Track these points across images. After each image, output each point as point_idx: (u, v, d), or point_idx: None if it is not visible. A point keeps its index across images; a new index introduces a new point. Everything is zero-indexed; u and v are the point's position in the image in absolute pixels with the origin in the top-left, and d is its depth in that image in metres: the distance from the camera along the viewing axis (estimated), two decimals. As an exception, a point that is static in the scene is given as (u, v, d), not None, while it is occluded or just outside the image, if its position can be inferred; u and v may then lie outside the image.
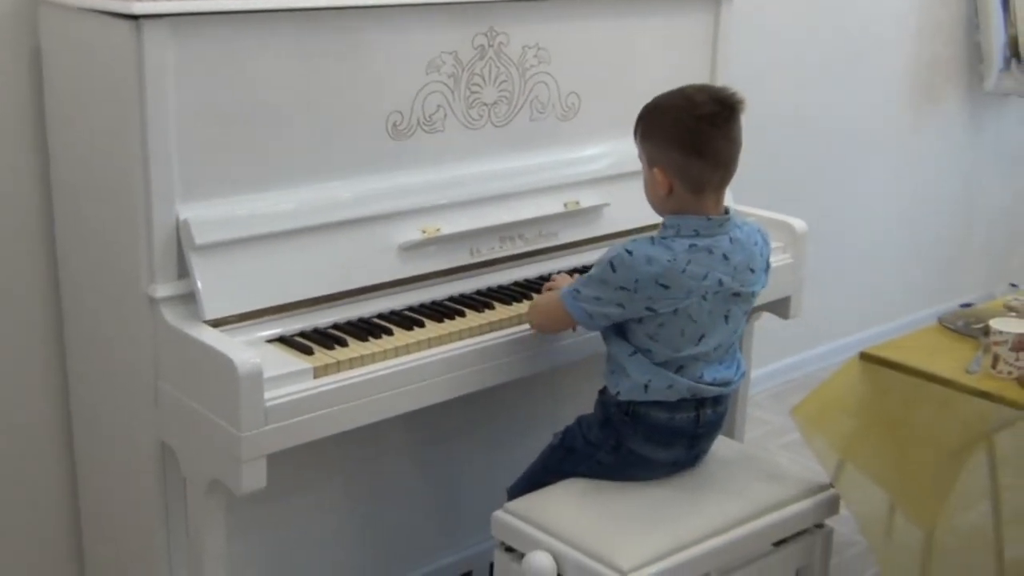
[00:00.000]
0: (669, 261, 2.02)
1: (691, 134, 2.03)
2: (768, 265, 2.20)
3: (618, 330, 2.12)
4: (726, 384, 2.15)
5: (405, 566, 2.59)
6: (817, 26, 3.80)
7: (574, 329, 2.21)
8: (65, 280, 2.29)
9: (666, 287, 2.02)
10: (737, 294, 2.10)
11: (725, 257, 2.07)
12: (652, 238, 2.07)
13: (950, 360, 2.40)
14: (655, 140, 2.08)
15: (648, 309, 2.04)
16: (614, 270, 2.03)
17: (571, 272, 2.46)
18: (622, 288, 2.03)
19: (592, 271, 2.09)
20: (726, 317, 2.10)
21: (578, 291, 2.09)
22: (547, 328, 2.22)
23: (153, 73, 1.94)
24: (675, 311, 2.04)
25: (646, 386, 2.09)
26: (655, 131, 2.08)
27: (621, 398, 2.12)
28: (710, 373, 2.11)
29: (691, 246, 2.04)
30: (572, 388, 2.62)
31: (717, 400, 2.16)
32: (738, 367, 2.18)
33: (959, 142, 4.54)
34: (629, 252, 2.03)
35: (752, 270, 2.12)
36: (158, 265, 2.02)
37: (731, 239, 2.09)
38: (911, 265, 4.47)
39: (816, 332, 4.04)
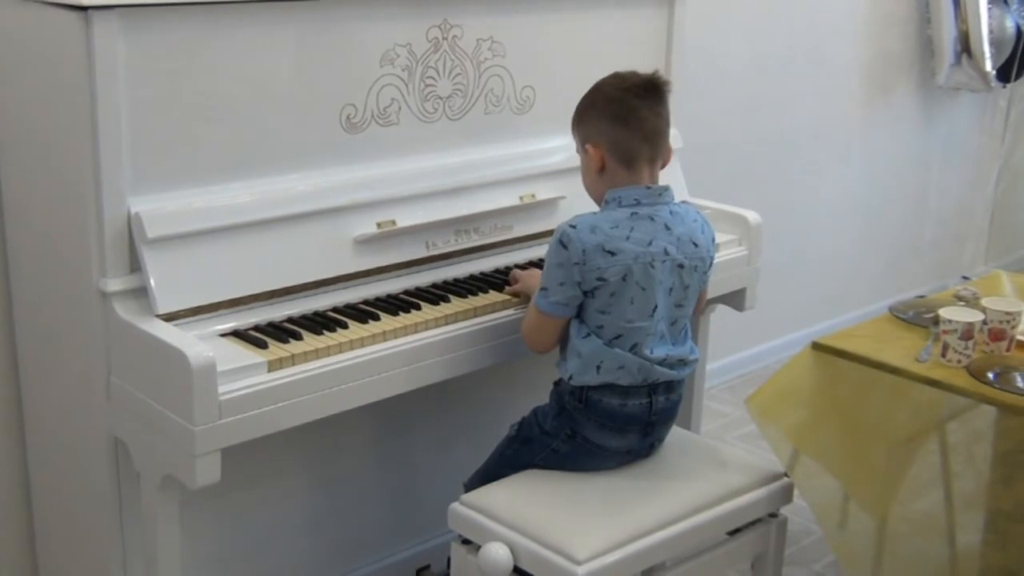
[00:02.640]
0: (612, 228, 2.08)
1: (617, 104, 2.13)
2: (714, 241, 2.22)
3: (585, 315, 2.14)
4: (678, 364, 2.16)
5: (363, 560, 2.59)
6: (770, 19, 3.83)
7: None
8: (15, 275, 2.27)
9: (612, 253, 2.07)
10: (681, 265, 2.13)
11: (667, 227, 2.12)
12: (594, 212, 2.14)
13: (900, 349, 2.43)
14: (586, 117, 2.18)
15: (599, 279, 2.07)
16: (564, 247, 2.08)
17: (526, 265, 2.46)
18: (575, 264, 2.07)
19: (547, 260, 2.12)
20: (670, 290, 2.12)
21: (545, 289, 2.12)
22: (542, 342, 2.20)
23: (103, 65, 1.92)
24: (624, 277, 2.07)
25: (598, 367, 2.11)
26: (586, 109, 2.19)
27: (573, 382, 2.14)
28: (661, 349, 2.13)
29: (633, 214, 2.11)
30: (529, 381, 2.63)
31: (670, 387, 2.18)
32: (691, 350, 2.20)
33: (911, 135, 4.59)
34: (573, 226, 2.09)
35: (695, 244, 2.15)
36: (109, 259, 2.00)
37: (671, 211, 2.14)
38: (865, 258, 4.52)
39: (772, 325, 4.07)
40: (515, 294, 2.32)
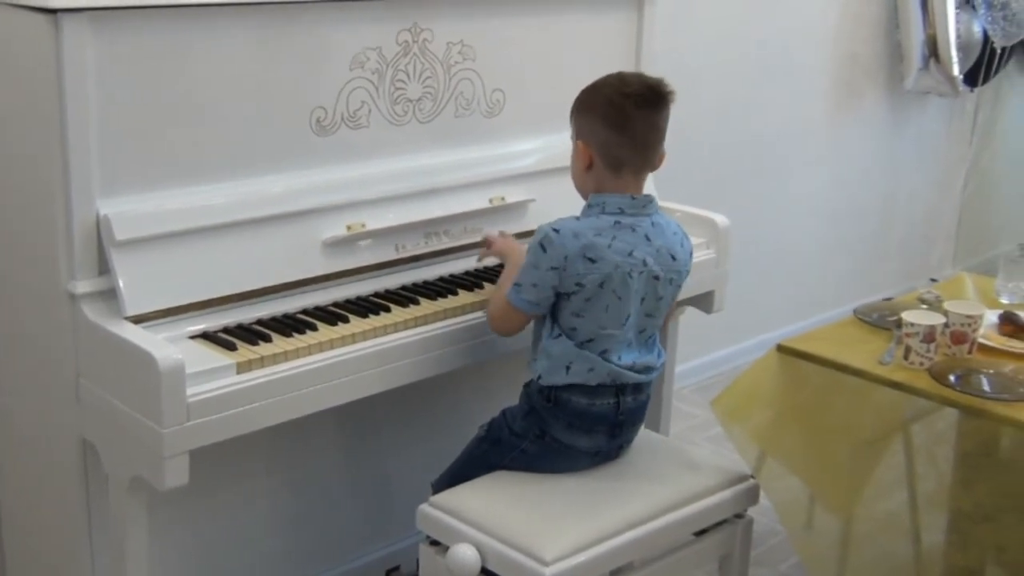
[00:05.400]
0: (596, 236, 2.09)
1: (615, 109, 2.11)
2: (691, 256, 2.24)
3: (559, 315, 2.16)
4: (645, 370, 2.18)
5: (333, 561, 2.59)
6: (740, 22, 3.86)
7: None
8: (-16, 277, 2.26)
9: (593, 260, 2.08)
10: (656, 277, 2.14)
11: (648, 238, 2.13)
12: (577, 216, 2.14)
13: (864, 352, 2.46)
14: (583, 113, 2.17)
15: (577, 284, 2.09)
16: (544, 250, 2.09)
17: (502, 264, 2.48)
18: (553, 268, 2.09)
19: (526, 258, 2.14)
20: (643, 300, 2.14)
21: (519, 285, 2.13)
22: (507, 330, 2.23)
23: (72, 68, 1.93)
24: (601, 284, 2.09)
25: (567, 367, 2.12)
26: (584, 104, 2.17)
27: (543, 382, 2.16)
28: (628, 356, 2.15)
29: (616, 223, 2.11)
30: (499, 383, 2.64)
31: (638, 388, 2.20)
32: (659, 355, 2.22)
33: (880, 139, 4.64)
34: (556, 230, 2.09)
35: (674, 257, 2.16)
36: (78, 261, 2.00)
37: (653, 222, 2.15)
38: (834, 260, 4.56)
39: (742, 327, 4.10)
40: (490, 256, 2.33)
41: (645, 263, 2.12)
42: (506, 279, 2.23)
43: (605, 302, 2.10)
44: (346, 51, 2.29)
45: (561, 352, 2.13)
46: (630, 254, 2.10)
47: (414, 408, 2.62)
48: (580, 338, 2.12)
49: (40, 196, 2.02)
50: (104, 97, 1.98)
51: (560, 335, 2.13)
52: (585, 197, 2.20)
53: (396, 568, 2.66)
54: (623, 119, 2.11)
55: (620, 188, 2.15)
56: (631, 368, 2.15)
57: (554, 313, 2.15)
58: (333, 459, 2.54)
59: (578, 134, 2.18)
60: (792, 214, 4.29)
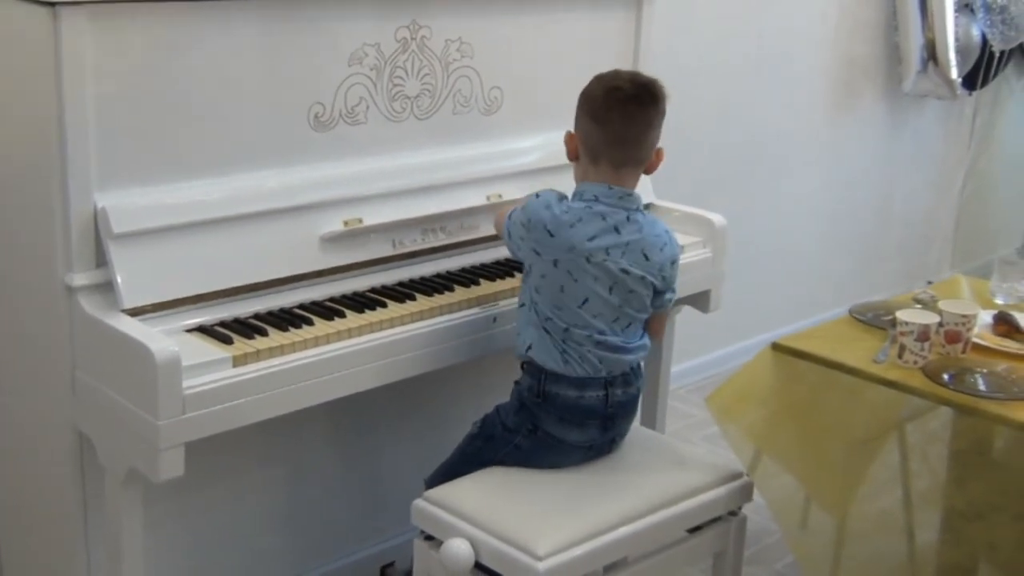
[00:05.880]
0: (562, 213, 2.14)
1: (597, 103, 2.18)
2: (673, 264, 2.23)
3: (523, 286, 2.22)
4: (620, 349, 2.17)
5: (328, 556, 2.60)
6: (739, 23, 3.87)
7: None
8: (-19, 269, 2.27)
9: (551, 235, 2.13)
10: (626, 271, 2.15)
11: (617, 230, 2.15)
12: (561, 195, 2.21)
13: (859, 350, 2.47)
14: (580, 104, 2.23)
15: (535, 252, 2.15)
16: (524, 208, 2.19)
17: (493, 264, 2.48)
18: (523, 225, 2.17)
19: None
20: (611, 288, 2.14)
21: (511, 215, 2.23)
22: (498, 229, 2.35)
23: (71, 61, 1.93)
24: (555, 262, 2.13)
25: (532, 343, 2.17)
26: (581, 97, 2.23)
27: (516, 354, 2.22)
28: (598, 335, 2.15)
29: (587, 207, 2.15)
30: (494, 380, 2.64)
31: (626, 380, 2.21)
32: (639, 338, 2.22)
33: (878, 141, 4.64)
34: (537, 196, 2.18)
35: (646, 257, 2.17)
36: (76, 254, 2.01)
37: (628, 217, 2.16)
38: (831, 261, 4.56)
39: (739, 327, 4.11)
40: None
41: (607, 252, 2.13)
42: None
43: (560, 282, 2.14)
44: (344, 47, 2.30)
45: (525, 324, 2.19)
46: (591, 239, 2.12)
47: (409, 405, 2.63)
48: (543, 314, 2.16)
49: (38, 188, 2.02)
50: (102, 90, 1.98)
51: (530, 311, 2.19)
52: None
53: (391, 564, 2.66)
54: (600, 111, 2.17)
55: (599, 179, 2.18)
56: (601, 345, 2.15)
57: (525, 287, 2.20)
58: (328, 455, 2.55)
59: (573, 124, 2.24)
60: (790, 215, 4.30)
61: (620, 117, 2.16)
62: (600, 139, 2.17)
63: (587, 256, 2.12)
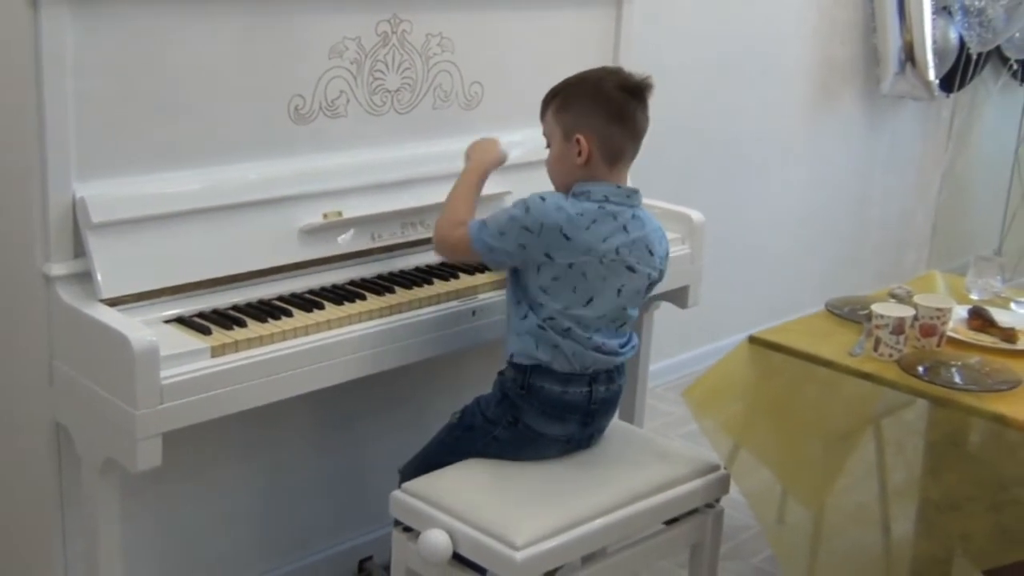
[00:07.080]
0: (578, 215, 2.11)
1: (617, 104, 2.15)
2: (667, 257, 2.26)
3: (516, 287, 2.18)
4: (612, 352, 2.19)
5: (306, 549, 2.60)
6: (718, 22, 3.89)
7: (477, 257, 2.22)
8: (-41, 260, 2.26)
9: (568, 238, 2.10)
10: (632, 268, 2.16)
11: (625, 228, 2.15)
12: (565, 195, 2.16)
13: (835, 344, 2.49)
14: (576, 109, 2.17)
15: (547, 256, 2.11)
16: (527, 211, 2.11)
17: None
18: (527, 229, 2.10)
19: (507, 208, 2.16)
20: (619, 291, 2.16)
21: (485, 224, 2.15)
22: (447, 252, 2.27)
23: (51, 52, 1.93)
24: (571, 265, 2.11)
25: (536, 346, 2.15)
26: (576, 100, 2.17)
27: (515, 360, 2.19)
28: (597, 337, 2.16)
29: (599, 208, 2.13)
30: (473, 372, 2.66)
31: (610, 377, 2.22)
32: (629, 339, 2.24)
33: (855, 142, 4.68)
34: (543, 199, 2.13)
35: (651, 252, 2.18)
36: (54, 243, 2.01)
37: (634, 215, 2.17)
38: (809, 261, 4.59)
39: (717, 325, 4.12)
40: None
41: (618, 251, 2.14)
42: (462, 184, 2.27)
43: (573, 283, 2.12)
44: (325, 40, 2.30)
45: (527, 330, 2.15)
46: (604, 240, 2.12)
47: (388, 398, 2.63)
48: (545, 315, 2.14)
49: (16, 177, 2.02)
50: (82, 81, 1.98)
51: (527, 315, 2.15)
52: (563, 189, 2.20)
53: (369, 558, 2.67)
54: (626, 112, 2.15)
55: (612, 179, 2.17)
56: (598, 349, 2.16)
57: (524, 289, 2.17)
58: (306, 448, 2.55)
59: (571, 131, 2.16)
60: (768, 214, 4.32)
61: (641, 115, 2.17)
62: (625, 139, 2.16)
63: (601, 257, 2.12)
